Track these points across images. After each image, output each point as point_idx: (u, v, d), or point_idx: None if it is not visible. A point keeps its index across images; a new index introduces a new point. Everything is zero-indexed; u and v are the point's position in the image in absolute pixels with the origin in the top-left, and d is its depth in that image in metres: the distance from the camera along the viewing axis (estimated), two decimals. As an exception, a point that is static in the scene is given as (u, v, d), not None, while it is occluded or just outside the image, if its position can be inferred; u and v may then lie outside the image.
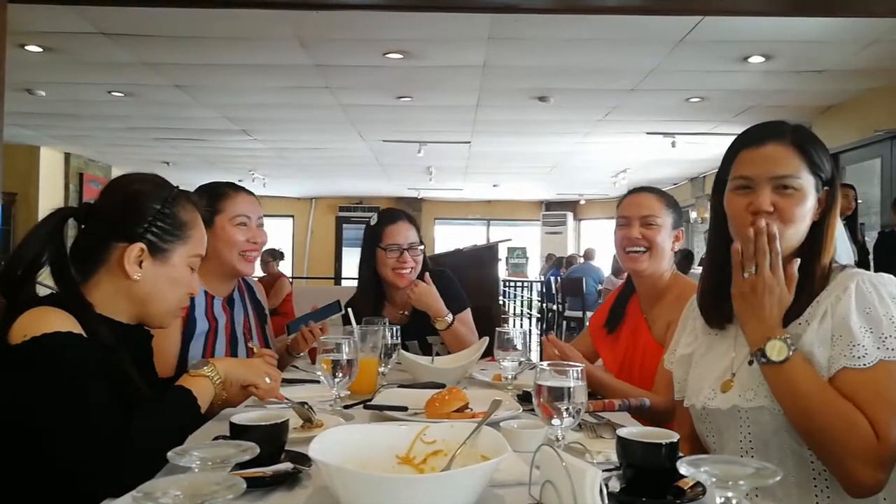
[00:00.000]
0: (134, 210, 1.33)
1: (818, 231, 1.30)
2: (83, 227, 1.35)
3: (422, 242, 2.43)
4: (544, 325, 10.62)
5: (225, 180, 2.16)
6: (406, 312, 2.42)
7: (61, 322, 1.17)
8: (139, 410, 1.20)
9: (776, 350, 1.19)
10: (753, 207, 1.28)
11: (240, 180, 2.39)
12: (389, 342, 1.88)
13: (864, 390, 1.17)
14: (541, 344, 2.10)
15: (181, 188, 1.42)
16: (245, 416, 1.17)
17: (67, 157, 9.76)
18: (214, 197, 1.98)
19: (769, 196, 1.27)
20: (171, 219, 1.35)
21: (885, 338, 1.18)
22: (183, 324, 1.90)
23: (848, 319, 1.20)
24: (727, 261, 1.31)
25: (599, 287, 9.54)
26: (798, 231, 1.29)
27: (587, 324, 8.60)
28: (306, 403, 1.42)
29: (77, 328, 1.19)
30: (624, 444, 1.01)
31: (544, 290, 11.32)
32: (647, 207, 1.97)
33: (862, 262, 4.82)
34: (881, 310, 1.19)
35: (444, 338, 2.33)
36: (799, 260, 1.26)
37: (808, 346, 1.23)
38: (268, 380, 1.43)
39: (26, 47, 4.92)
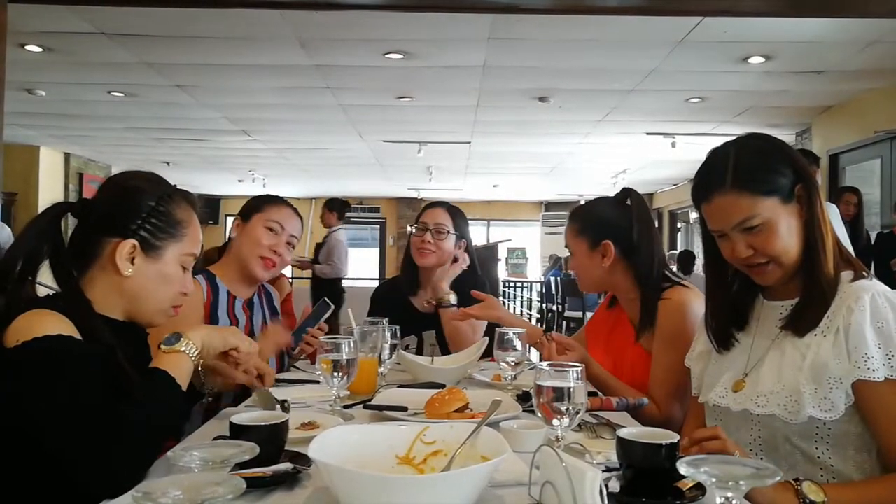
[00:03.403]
0: (128, 206, 1.32)
1: (810, 229, 1.29)
2: (79, 222, 1.35)
3: (462, 237, 2.48)
4: (544, 326, 10.63)
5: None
6: (433, 301, 2.46)
7: (54, 325, 1.16)
8: (129, 406, 1.19)
9: (813, 491, 1.12)
10: (735, 255, 1.31)
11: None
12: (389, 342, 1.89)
13: (883, 413, 1.18)
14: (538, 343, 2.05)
15: (179, 187, 1.42)
16: (245, 416, 1.17)
17: (67, 157, 9.76)
18: (266, 200, 2.12)
19: (742, 241, 1.29)
20: (166, 216, 1.34)
21: (892, 356, 1.18)
22: (206, 320, 1.94)
23: (863, 331, 1.19)
24: (726, 280, 1.40)
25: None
26: (788, 248, 1.28)
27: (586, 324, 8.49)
28: (286, 401, 1.44)
29: (70, 330, 1.18)
30: (624, 445, 1.01)
31: (544, 291, 11.31)
32: (565, 237, 2.03)
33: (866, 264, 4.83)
34: (893, 326, 1.19)
35: (443, 319, 2.35)
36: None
37: (823, 357, 1.22)
38: (248, 344, 1.40)
39: (26, 47, 4.92)
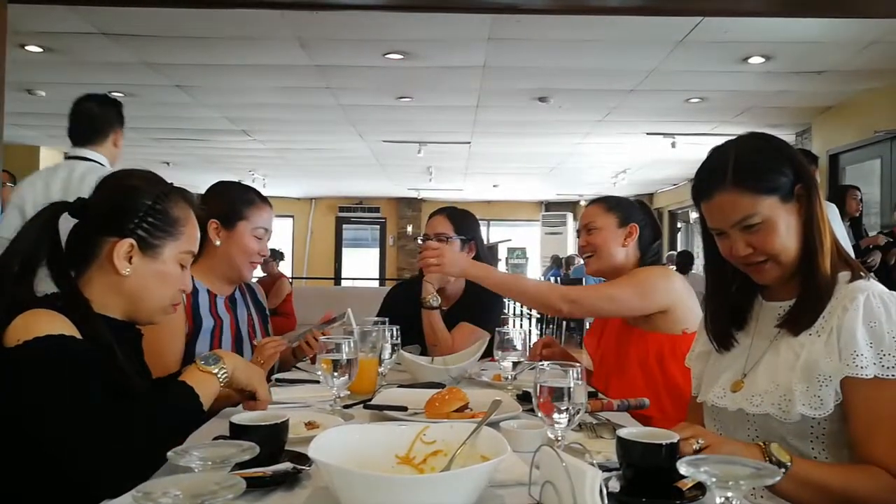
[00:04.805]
0: (125, 205, 1.32)
1: (808, 229, 1.29)
2: (77, 221, 1.34)
3: (470, 239, 2.51)
4: (543, 325, 10.64)
5: (235, 180, 2.24)
6: (445, 307, 2.47)
7: (54, 325, 1.16)
8: (139, 409, 1.20)
9: (781, 452, 1.13)
10: (734, 254, 1.31)
11: (240, 180, 2.41)
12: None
13: (864, 409, 1.18)
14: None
15: (176, 185, 1.42)
16: (245, 416, 1.17)
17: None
18: (244, 202, 2.07)
19: (741, 240, 1.29)
20: (163, 215, 1.34)
21: (884, 355, 1.18)
22: (188, 321, 1.93)
23: (854, 330, 1.19)
24: (725, 280, 1.40)
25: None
26: (787, 246, 1.28)
27: (586, 325, 8.62)
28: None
29: (70, 330, 1.18)
30: (624, 445, 1.01)
31: (544, 291, 11.30)
32: (588, 216, 2.18)
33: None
34: (886, 326, 1.19)
35: (423, 319, 2.36)
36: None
37: (815, 356, 1.22)
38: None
39: (26, 47, 4.92)
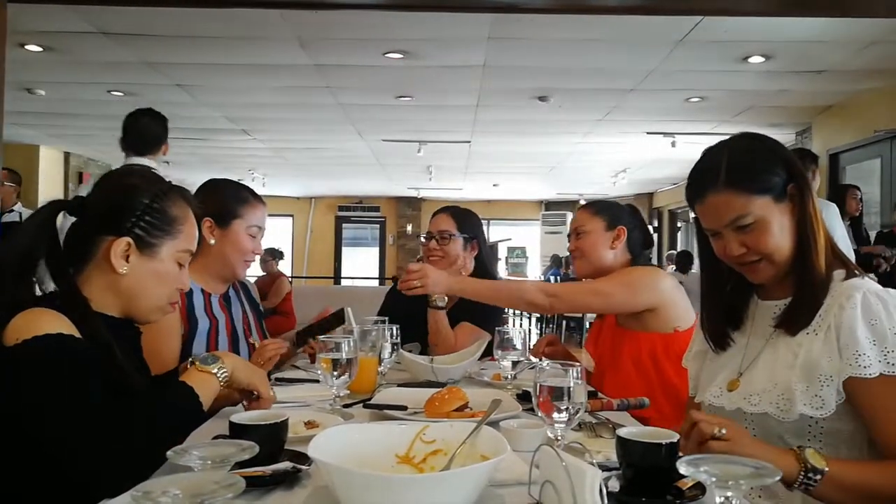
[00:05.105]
0: (123, 204, 1.32)
1: (802, 228, 1.29)
2: (75, 220, 1.34)
3: (473, 238, 2.54)
4: (543, 324, 10.65)
5: (234, 179, 2.24)
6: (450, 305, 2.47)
7: (53, 324, 1.16)
8: (139, 408, 1.20)
9: (816, 458, 1.12)
10: (728, 254, 1.32)
11: (240, 179, 2.41)
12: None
13: (881, 408, 1.18)
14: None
15: (174, 183, 1.42)
16: (245, 415, 1.18)
17: (67, 156, 9.75)
18: (238, 200, 2.07)
19: (735, 240, 1.30)
20: (160, 213, 1.34)
21: (888, 352, 1.18)
22: (184, 322, 1.92)
23: (854, 329, 1.19)
24: (721, 279, 1.40)
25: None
26: (780, 245, 1.29)
27: (586, 325, 8.62)
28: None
29: (70, 328, 1.18)
30: (624, 444, 1.01)
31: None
32: (576, 221, 2.23)
33: (866, 264, 4.84)
34: (887, 323, 1.19)
35: (429, 318, 2.37)
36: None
37: (815, 355, 1.23)
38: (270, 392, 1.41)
39: (26, 47, 4.92)
